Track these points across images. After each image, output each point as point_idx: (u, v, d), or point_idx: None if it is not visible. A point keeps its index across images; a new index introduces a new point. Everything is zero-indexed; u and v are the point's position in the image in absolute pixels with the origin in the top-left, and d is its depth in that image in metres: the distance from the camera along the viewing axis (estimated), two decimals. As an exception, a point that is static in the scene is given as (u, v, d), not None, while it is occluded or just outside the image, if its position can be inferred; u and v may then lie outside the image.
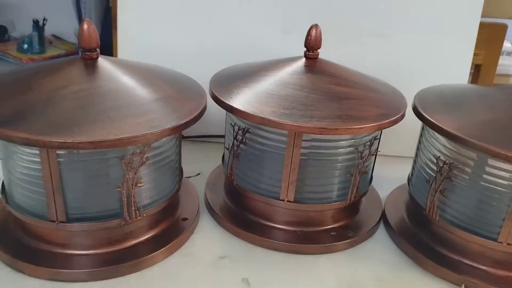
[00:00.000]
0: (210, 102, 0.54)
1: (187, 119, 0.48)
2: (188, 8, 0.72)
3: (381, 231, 0.61)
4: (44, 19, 1.58)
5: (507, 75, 1.25)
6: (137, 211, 0.50)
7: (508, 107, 0.50)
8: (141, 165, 0.48)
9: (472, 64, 0.78)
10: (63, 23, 1.58)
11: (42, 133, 0.41)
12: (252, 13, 0.72)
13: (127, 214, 0.49)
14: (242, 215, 0.59)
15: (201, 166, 0.71)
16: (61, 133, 0.42)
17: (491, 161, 0.49)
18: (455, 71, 0.74)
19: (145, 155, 0.48)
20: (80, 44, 0.49)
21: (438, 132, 0.51)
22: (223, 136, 0.63)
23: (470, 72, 0.85)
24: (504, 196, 0.49)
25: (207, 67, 0.60)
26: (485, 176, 0.50)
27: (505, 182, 0.49)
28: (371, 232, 0.59)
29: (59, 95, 0.45)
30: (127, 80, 0.49)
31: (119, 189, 0.48)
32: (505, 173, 0.49)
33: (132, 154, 0.47)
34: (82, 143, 0.41)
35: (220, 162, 0.65)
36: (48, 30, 1.64)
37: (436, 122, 0.50)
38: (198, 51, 0.73)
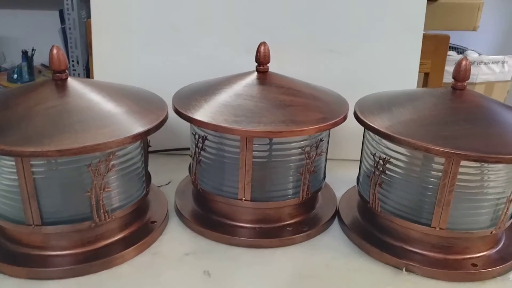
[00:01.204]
0: (178, 117, 0.60)
1: (147, 128, 0.54)
2: (157, 34, 0.79)
3: (335, 226, 0.66)
4: (32, 50, 1.66)
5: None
6: (105, 214, 0.55)
7: (431, 107, 0.57)
8: (107, 172, 0.54)
9: (421, 72, 0.85)
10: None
11: (16, 144, 0.48)
12: (217, 37, 0.79)
13: (96, 216, 0.55)
14: (207, 217, 0.65)
15: (172, 176, 0.77)
16: (33, 144, 0.48)
17: (418, 155, 0.56)
18: (404, 80, 0.81)
19: (111, 162, 0.54)
20: (50, 67, 0.55)
21: (372, 132, 0.57)
22: (189, 148, 0.69)
23: (419, 81, 0.92)
24: (434, 186, 0.55)
25: (175, 85, 0.67)
26: (414, 168, 0.57)
27: (433, 173, 0.55)
28: (325, 226, 0.65)
29: (32, 112, 0.52)
30: (93, 97, 0.56)
31: (88, 193, 0.54)
32: (432, 165, 0.55)
33: (99, 162, 0.53)
34: (51, 151, 0.47)
35: (189, 172, 0.71)
36: (37, 60, 1.72)
37: (369, 123, 0.57)
38: (167, 71, 0.79)
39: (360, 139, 0.72)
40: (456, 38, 1.53)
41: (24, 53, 1.63)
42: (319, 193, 0.69)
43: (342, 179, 0.75)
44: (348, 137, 0.82)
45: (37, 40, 1.67)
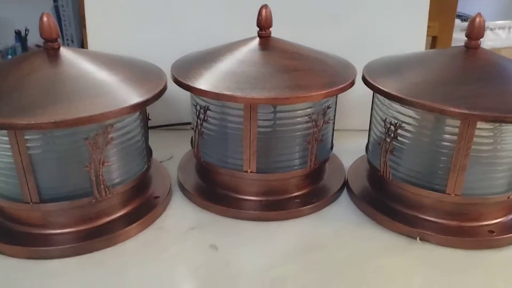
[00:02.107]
0: (178, 87, 0.57)
1: (146, 98, 0.51)
2: (151, 7, 0.75)
3: (344, 197, 0.64)
4: (26, 30, 1.62)
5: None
6: (106, 189, 0.53)
7: (443, 68, 0.54)
8: (106, 145, 0.51)
9: (428, 36, 0.82)
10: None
11: (8, 116, 0.45)
12: (213, 6, 0.75)
13: (97, 192, 0.53)
14: (211, 190, 0.63)
15: (174, 151, 0.74)
16: (25, 115, 0.45)
17: (430, 118, 0.53)
18: (411, 44, 0.78)
19: (109, 135, 0.51)
20: (41, 35, 0.52)
21: (381, 95, 0.54)
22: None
23: (427, 45, 0.88)
24: (448, 150, 0.53)
25: (173, 57, 0.64)
26: (427, 132, 0.54)
27: (447, 136, 0.53)
28: (334, 197, 0.63)
29: (24, 82, 0.49)
30: (87, 66, 0.53)
31: (87, 168, 0.51)
32: (446, 127, 0.53)
33: (97, 134, 0.50)
34: (45, 123, 0.45)
35: (191, 147, 0.68)
36: (31, 41, 1.67)
37: (379, 86, 0.54)
38: (163, 46, 0.76)
39: (366, 108, 0.69)
40: (460, 5, 1.48)
41: (18, 33, 1.59)
42: (327, 163, 0.67)
43: (349, 149, 0.73)
44: (354, 106, 0.80)
45: (30, 20, 1.62)
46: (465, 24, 1.34)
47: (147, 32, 0.76)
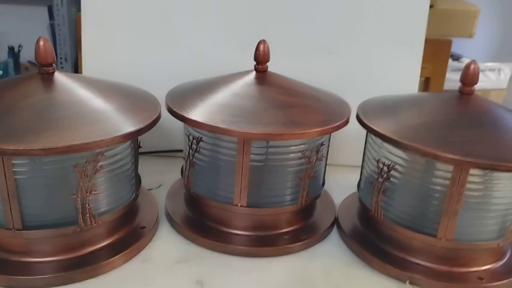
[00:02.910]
0: (172, 117, 0.57)
1: (139, 127, 0.50)
2: (149, 29, 0.75)
3: (335, 234, 0.64)
4: (19, 46, 1.61)
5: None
6: (92, 218, 0.52)
7: (438, 111, 0.54)
8: (95, 173, 0.50)
9: (422, 77, 0.83)
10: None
11: (-2, 140, 0.44)
12: (212, 34, 0.76)
13: (82, 221, 0.51)
14: (200, 222, 0.61)
15: (164, 178, 0.73)
16: (16, 140, 0.44)
17: (423, 161, 0.53)
18: (404, 84, 0.79)
19: (99, 163, 0.50)
20: (37, 60, 0.52)
21: (377, 136, 0.54)
22: (182, 150, 0.66)
23: (420, 86, 0.90)
24: (440, 194, 0.53)
25: (168, 84, 0.63)
26: (419, 175, 0.54)
27: (440, 181, 0.53)
28: (324, 235, 0.62)
29: (17, 106, 0.48)
30: (82, 93, 0.52)
31: (74, 196, 0.50)
32: (439, 172, 0.53)
33: (86, 162, 0.49)
34: (34, 150, 0.44)
35: (181, 175, 0.67)
36: (24, 57, 1.67)
37: (374, 127, 0.54)
38: (160, 69, 0.76)
39: (359, 144, 0.69)
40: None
41: (11, 49, 1.58)
42: (318, 200, 0.66)
43: (341, 185, 0.72)
44: (347, 141, 0.79)
45: (24, 36, 1.62)
46: (457, 64, 1.37)
47: (143, 55, 0.76)
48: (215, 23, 0.75)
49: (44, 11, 1.61)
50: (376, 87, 0.75)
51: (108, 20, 0.75)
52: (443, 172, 0.52)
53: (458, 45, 1.64)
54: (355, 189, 0.69)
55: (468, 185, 0.51)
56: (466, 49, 1.69)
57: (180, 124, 0.62)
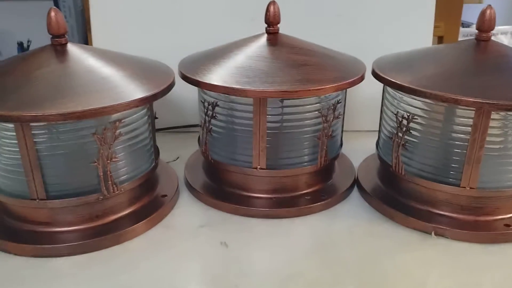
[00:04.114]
0: (184, 88, 0.56)
1: (154, 92, 0.50)
2: (157, 4, 0.75)
3: (355, 194, 0.63)
4: (28, 41, 1.62)
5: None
6: (114, 186, 0.52)
7: (455, 60, 0.53)
8: (114, 140, 0.50)
9: (434, 36, 0.82)
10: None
11: (16, 109, 0.44)
12: (219, 5, 0.75)
13: (104, 188, 0.51)
14: (220, 188, 0.61)
15: (181, 152, 0.73)
16: (33, 108, 0.44)
17: (443, 110, 0.52)
18: (418, 43, 0.77)
19: (118, 130, 0.50)
20: (49, 31, 0.52)
21: (393, 88, 0.53)
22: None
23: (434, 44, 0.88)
24: (462, 142, 0.52)
25: (178, 57, 0.63)
26: (440, 124, 0.53)
27: (461, 128, 0.52)
28: (344, 195, 0.62)
29: (31, 77, 0.48)
30: (94, 62, 0.52)
31: (95, 163, 0.50)
32: (460, 119, 0.52)
33: (105, 129, 0.49)
34: (53, 115, 0.44)
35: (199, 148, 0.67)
36: (34, 52, 1.68)
37: (390, 79, 0.53)
38: (170, 43, 0.75)
39: (374, 108, 0.69)
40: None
41: (20, 44, 1.59)
42: (336, 162, 0.66)
43: (358, 150, 0.72)
44: (362, 106, 0.79)
45: (32, 32, 1.63)
46: (468, 30, 1.35)
47: (152, 33, 0.76)
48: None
49: (50, 5, 1.61)
50: (388, 48, 0.74)
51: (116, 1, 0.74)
52: (464, 119, 0.51)
53: (468, 13, 1.61)
54: (372, 152, 0.69)
55: (490, 131, 0.50)
56: (475, 16, 1.66)
57: (194, 98, 0.62)
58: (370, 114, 0.77)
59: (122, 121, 0.51)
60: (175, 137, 0.80)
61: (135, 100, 0.48)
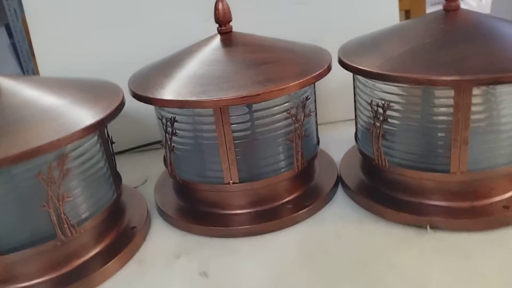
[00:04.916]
0: (142, 105, 0.51)
1: (100, 117, 0.45)
2: (99, 16, 0.69)
3: (340, 194, 0.58)
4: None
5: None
6: (71, 228, 0.47)
7: (422, 35, 0.49)
8: (63, 178, 0.45)
9: (401, 11, 0.77)
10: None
11: None
12: (170, 9, 0.70)
13: (60, 233, 0.46)
14: (193, 210, 0.56)
15: (149, 173, 0.68)
16: (-41, 158, 0.39)
17: (419, 92, 0.48)
18: (384, 21, 0.72)
19: (65, 166, 0.45)
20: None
21: (362, 75, 0.49)
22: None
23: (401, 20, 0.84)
24: (445, 125, 0.48)
25: (131, 70, 0.58)
26: (419, 109, 0.49)
27: (442, 110, 0.48)
28: (329, 196, 0.57)
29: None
30: (30, 93, 0.47)
31: (45, 207, 0.45)
32: (439, 100, 0.48)
33: (50, 168, 0.44)
34: (-20, 164, 0.38)
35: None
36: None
37: (358, 66, 0.49)
38: (120, 57, 0.70)
39: (347, 96, 0.64)
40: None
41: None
42: (316, 161, 0.61)
43: (336, 142, 0.67)
44: (333, 96, 0.74)
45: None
46: (435, -1, 1.31)
47: (99, 45, 0.70)
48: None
49: (2, 31, 1.54)
50: (354, 30, 0.70)
51: (54, 15, 0.68)
52: (444, 99, 0.47)
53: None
54: (352, 143, 0.64)
55: (473, 108, 0.46)
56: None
57: (154, 112, 0.57)
58: (343, 102, 0.73)
59: (69, 155, 0.45)
60: (141, 157, 0.74)
61: (78, 131, 0.43)
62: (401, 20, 0.75)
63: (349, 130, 0.65)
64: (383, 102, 0.49)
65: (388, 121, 0.50)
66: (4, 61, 1.47)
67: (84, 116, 0.45)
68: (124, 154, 0.74)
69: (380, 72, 0.46)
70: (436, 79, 0.43)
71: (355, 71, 0.49)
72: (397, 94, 0.49)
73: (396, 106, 0.49)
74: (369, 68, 0.47)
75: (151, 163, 0.70)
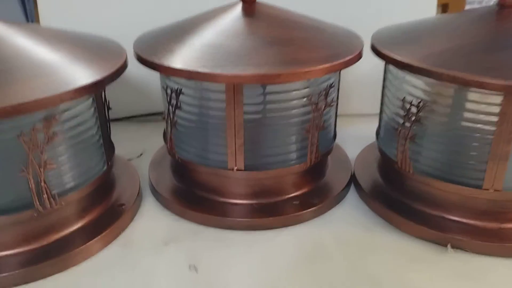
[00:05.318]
0: (149, 71, 0.45)
1: (96, 79, 0.39)
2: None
3: (352, 195, 0.53)
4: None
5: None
6: (51, 199, 0.41)
7: (471, 32, 0.43)
8: (47, 142, 0.40)
9: (439, 4, 0.71)
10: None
11: None
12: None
13: (38, 203, 0.41)
14: (190, 193, 0.51)
15: (146, 146, 0.62)
16: None
17: (464, 94, 0.42)
18: (419, 13, 0.66)
19: (51, 129, 0.39)
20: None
21: (400, 67, 0.43)
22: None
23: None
24: (484, 134, 0.42)
25: (138, 33, 0.52)
26: (459, 112, 0.43)
27: (484, 118, 0.42)
28: (339, 197, 0.52)
29: None
30: (23, 42, 0.41)
31: (23, 172, 0.39)
32: (482, 105, 0.42)
33: (33, 129, 0.38)
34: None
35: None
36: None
37: (396, 56, 0.43)
38: (127, 19, 0.64)
39: (369, 89, 0.59)
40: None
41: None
42: (329, 156, 0.55)
43: (354, 137, 0.62)
44: (356, 86, 0.68)
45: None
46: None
47: (108, 6, 0.64)
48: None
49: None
50: (387, 19, 0.64)
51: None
52: (488, 105, 0.41)
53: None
54: (370, 140, 0.59)
55: (517, 119, 0.40)
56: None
57: (159, 80, 0.51)
58: (364, 95, 0.68)
59: (57, 117, 0.40)
60: (140, 127, 0.69)
61: (69, 91, 0.37)
62: (437, 13, 0.69)
63: (368, 126, 0.59)
64: (419, 100, 0.43)
65: (421, 123, 0.44)
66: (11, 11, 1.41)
67: (80, 75, 0.39)
68: (120, 122, 0.68)
69: (422, 66, 0.40)
70: (488, 82, 0.37)
71: (391, 61, 0.43)
72: (433, 93, 0.44)
73: (431, 107, 0.44)
74: (409, 61, 0.41)
75: (149, 136, 0.64)
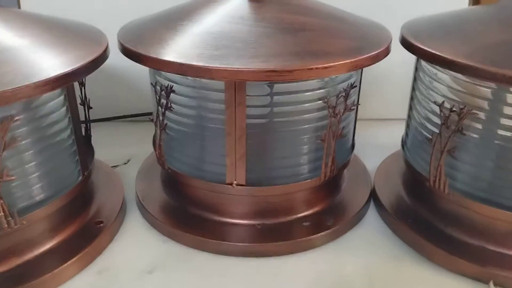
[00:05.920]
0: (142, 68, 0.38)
1: (66, 70, 0.32)
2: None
3: (372, 214, 0.46)
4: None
5: None
6: (9, 218, 0.34)
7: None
8: (4, 149, 0.32)
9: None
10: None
11: None
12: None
13: (-7, 222, 0.33)
14: (182, 210, 0.44)
15: (135, 151, 0.55)
16: None
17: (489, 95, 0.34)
18: (450, 5, 0.59)
19: (7, 133, 0.32)
20: None
21: (439, 65, 0.35)
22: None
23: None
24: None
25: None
26: (504, 122, 0.35)
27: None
28: (358, 217, 0.44)
29: None
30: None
31: (-27, 186, 0.32)
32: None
33: (-15, 132, 0.31)
34: None
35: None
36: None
37: (435, 51, 0.35)
38: (122, 9, 0.56)
39: (394, 89, 0.51)
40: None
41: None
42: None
43: (372, 145, 0.55)
44: (375, 87, 0.61)
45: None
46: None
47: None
48: None
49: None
50: (415, 11, 0.56)
51: None
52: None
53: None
54: (392, 149, 0.51)
55: None
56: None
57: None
58: (387, 96, 0.60)
59: (15, 118, 0.32)
60: (130, 129, 0.61)
61: (28, 85, 0.30)
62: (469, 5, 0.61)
63: (390, 132, 0.53)
64: (461, 106, 0.35)
65: (464, 134, 0.36)
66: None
67: (46, 65, 0.32)
68: (107, 123, 0.61)
69: (468, 63, 0.32)
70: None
71: (428, 57, 0.36)
72: (479, 96, 0.36)
73: (475, 112, 0.36)
74: (451, 56, 0.33)
75: (140, 139, 0.57)
